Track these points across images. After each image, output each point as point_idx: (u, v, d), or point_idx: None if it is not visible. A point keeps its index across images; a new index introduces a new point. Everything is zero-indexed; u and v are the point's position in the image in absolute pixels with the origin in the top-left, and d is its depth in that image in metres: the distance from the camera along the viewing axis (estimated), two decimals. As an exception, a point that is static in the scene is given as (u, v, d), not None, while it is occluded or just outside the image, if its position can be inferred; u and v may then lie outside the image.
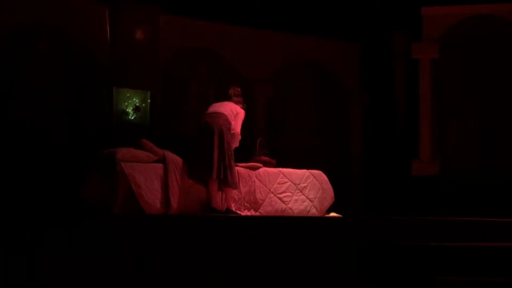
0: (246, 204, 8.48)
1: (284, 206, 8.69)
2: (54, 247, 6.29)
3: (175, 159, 8.08)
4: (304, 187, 8.99)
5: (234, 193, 8.34)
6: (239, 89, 8.76)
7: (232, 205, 8.24)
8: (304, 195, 8.96)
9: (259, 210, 8.53)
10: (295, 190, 8.89)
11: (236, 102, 8.61)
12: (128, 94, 10.59)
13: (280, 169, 8.86)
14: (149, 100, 10.74)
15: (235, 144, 8.44)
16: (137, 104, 10.59)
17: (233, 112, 8.41)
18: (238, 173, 8.35)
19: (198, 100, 11.82)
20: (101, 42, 10.65)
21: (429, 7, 11.87)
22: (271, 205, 8.57)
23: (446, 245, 6.08)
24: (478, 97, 11.89)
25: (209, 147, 8.00)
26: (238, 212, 8.28)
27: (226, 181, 8.04)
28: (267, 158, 9.09)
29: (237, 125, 8.41)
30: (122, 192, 7.58)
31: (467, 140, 11.87)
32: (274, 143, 11.12)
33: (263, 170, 8.74)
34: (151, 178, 7.79)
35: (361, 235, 6.43)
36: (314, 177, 9.16)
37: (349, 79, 13.17)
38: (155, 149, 8.17)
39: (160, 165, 7.98)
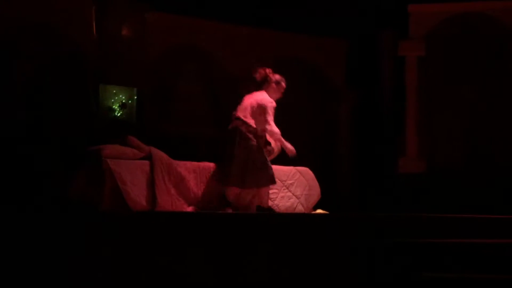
0: (232, 200, 8.48)
1: (270, 203, 8.68)
2: (39, 243, 6.27)
3: (161, 156, 8.06)
4: (291, 184, 8.98)
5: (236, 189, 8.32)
6: (264, 71, 8.40)
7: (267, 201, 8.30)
8: (290, 192, 8.95)
9: (246, 207, 8.52)
10: (282, 187, 8.88)
11: (268, 88, 8.34)
12: (114, 91, 10.55)
13: (267, 166, 8.84)
14: (135, 97, 10.71)
15: (274, 141, 8.37)
16: (123, 101, 10.56)
17: (257, 110, 8.19)
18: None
19: (186, 97, 11.81)
20: (87, 39, 10.61)
21: (415, 4, 11.88)
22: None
23: (433, 241, 6.10)
24: (464, 95, 11.92)
25: (229, 156, 8.04)
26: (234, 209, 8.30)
27: (244, 186, 8.06)
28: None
29: (266, 121, 8.18)
30: (108, 189, 7.56)
31: (454, 137, 11.89)
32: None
33: (250, 167, 8.72)
34: (138, 175, 7.78)
35: (347, 232, 6.44)
36: (300, 174, 9.15)
37: (336, 76, 13.18)
38: (141, 146, 8.15)
39: (147, 162, 7.96)
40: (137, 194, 7.67)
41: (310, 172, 9.33)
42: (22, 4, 10.05)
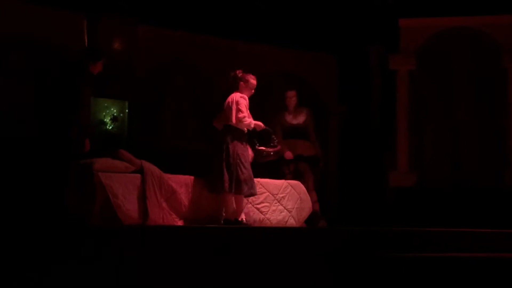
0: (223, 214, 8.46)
1: (262, 216, 8.68)
2: (29, 258, 6.25)
3: (153, 170, 8.05)
4: (282, 197, 8.98)
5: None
6: (237, 72, 8.40)
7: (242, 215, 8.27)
8: (282, 205, 8.95)
9: (237, 221, 8.51)
10: (273, 200, 8.88)
11: (242, 87, 8.33)
12: (106, 104, 10.55)
13: (258, 179, 8.80)
14: (127, 110, 10.71)
15: (242, 127, 8.23)
16: (115, 114, 10.55)
17: (232, 108, 8.17)
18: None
19: (176, 110, 11.81)
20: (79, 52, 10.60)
21: (406, 19, 11.96)
22: (248, 216, 8.54)
23: (423, 255, 6.11)
24: (454, 109, 11.98)
25: (218, 160, 8.09)
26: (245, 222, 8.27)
27: (240, 192, 8.11)
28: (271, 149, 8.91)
29: (233, 115, 8.13)
30: (99, 203, 7.53)
31: (443, 151, 11.94)
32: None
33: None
34: (129, 188, 7.75)
35: (338, 246, 6.44)
36: (292, 187, 9.16)
37: (326, 91, 13.22)
38: (133, 159, 8.13)
39: (138, 175, 7.94)
40: (129, 208, 7.65)
41: (302, 186, 9.34)
42: (12, 17, 10.05)
